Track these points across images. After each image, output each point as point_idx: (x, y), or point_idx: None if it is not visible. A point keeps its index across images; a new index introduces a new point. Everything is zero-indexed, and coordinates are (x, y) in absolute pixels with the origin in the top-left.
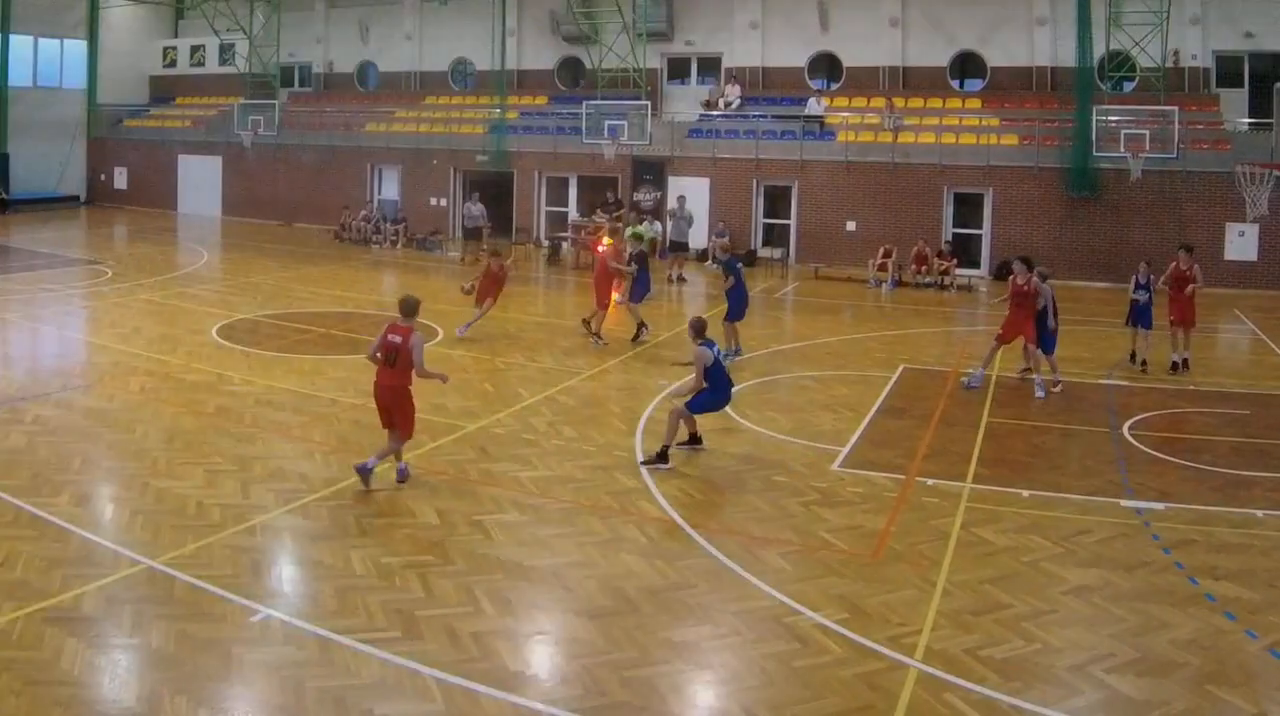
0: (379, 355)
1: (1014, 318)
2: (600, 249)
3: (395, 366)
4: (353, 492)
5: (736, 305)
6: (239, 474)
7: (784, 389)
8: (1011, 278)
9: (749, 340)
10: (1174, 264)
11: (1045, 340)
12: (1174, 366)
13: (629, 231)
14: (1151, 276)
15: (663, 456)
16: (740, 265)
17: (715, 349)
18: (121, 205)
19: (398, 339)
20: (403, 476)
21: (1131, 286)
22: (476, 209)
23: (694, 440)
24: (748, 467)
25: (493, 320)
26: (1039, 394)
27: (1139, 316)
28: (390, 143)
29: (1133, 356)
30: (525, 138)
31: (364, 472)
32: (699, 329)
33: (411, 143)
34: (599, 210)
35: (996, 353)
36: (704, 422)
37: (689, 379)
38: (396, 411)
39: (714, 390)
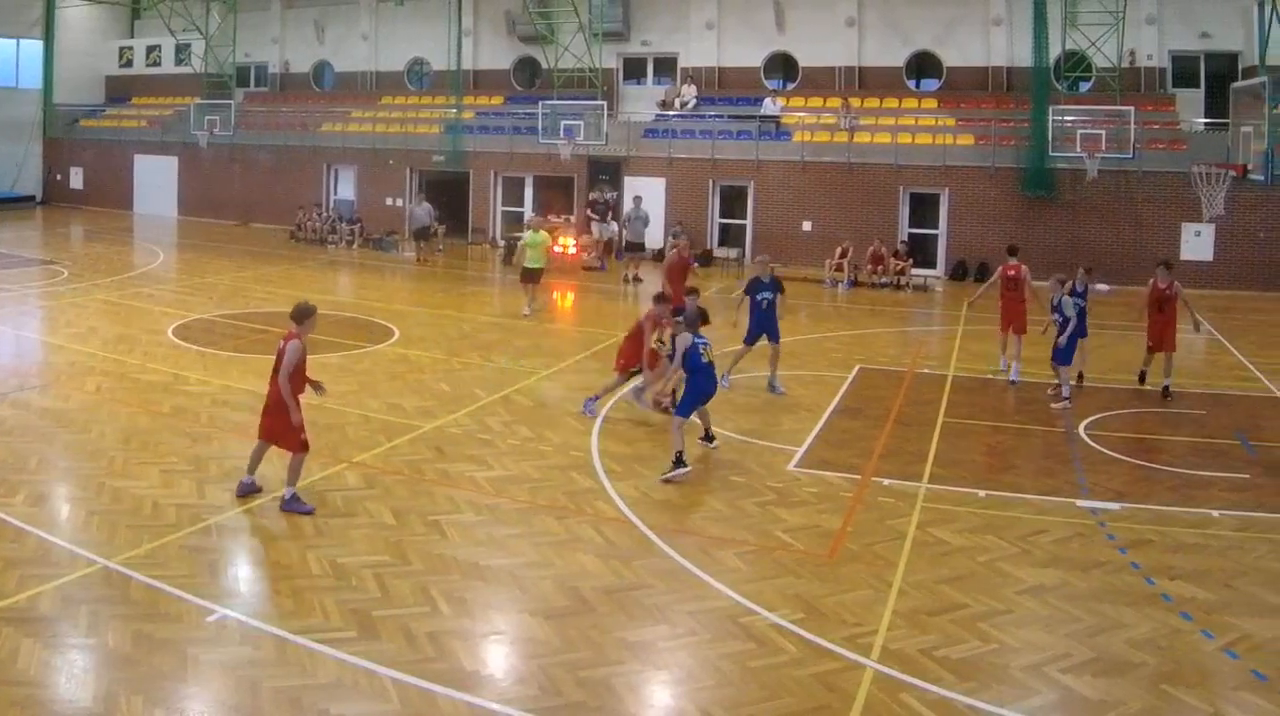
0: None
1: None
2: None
3: (274, 373)
4: (309, 493)
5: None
6: (195, 474)
7: (740, 389)
8: (1152, 282)
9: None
10: (1152, 281)
11: (1063, 352)
12: (1165, 391)
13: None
14: (1089, 285)
15: (679, 461)
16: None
17: (700, 340)
18: (78, 205)
19: (281, 344)
20: (289, 505)
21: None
22: (423, 209)
23: (708, 437)
24: (704, 468)
25: (449, 320)
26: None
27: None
28: (346, 143)
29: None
30: (481, 138)
31: (246, 491)
32: (694, 319)
33: (367, 143)
34: (589, 209)
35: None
36: (662, 421)
37: (669, 375)
38: (275, 422)
39: (695, 383)
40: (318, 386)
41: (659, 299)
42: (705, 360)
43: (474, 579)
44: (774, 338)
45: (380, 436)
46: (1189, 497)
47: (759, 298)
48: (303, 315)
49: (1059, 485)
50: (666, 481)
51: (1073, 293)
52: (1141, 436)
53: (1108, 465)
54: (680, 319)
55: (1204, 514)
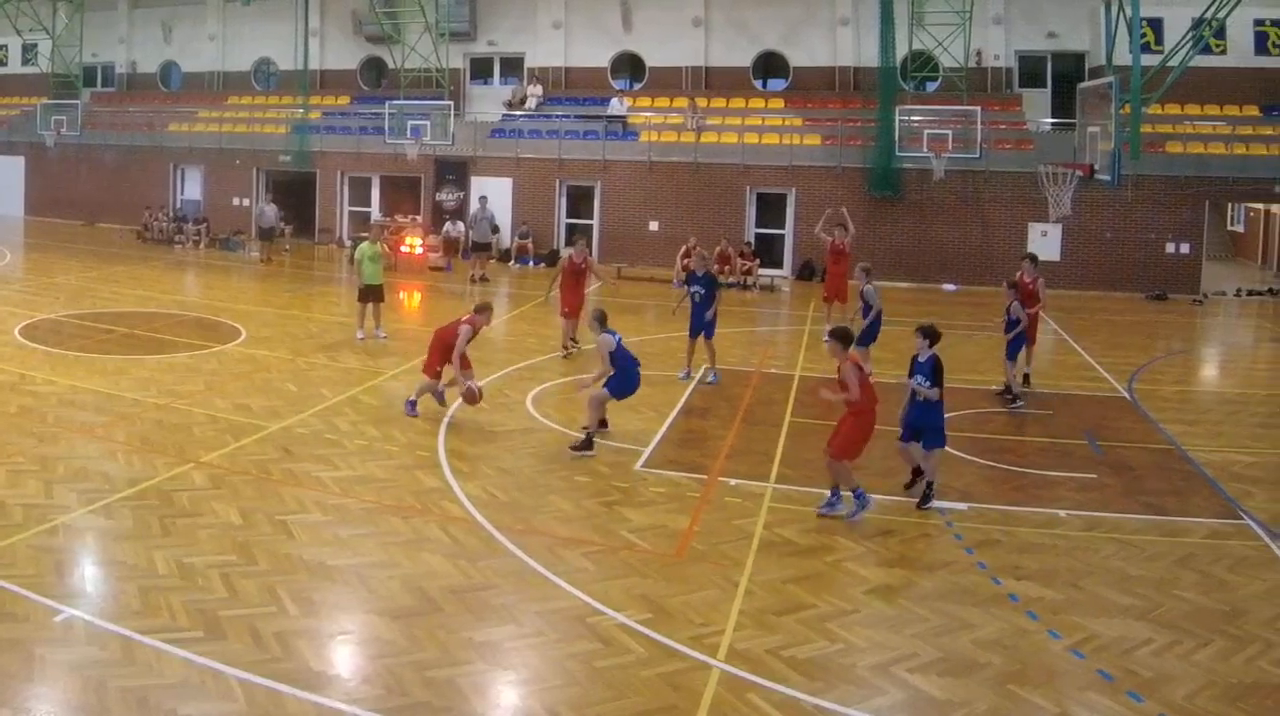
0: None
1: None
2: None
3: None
4: (156, 492)
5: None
6: (42, 474)
7: (587, 389)
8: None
9: (549, 339)
10: (1018, 275)
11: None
12: (1024, 379)
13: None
14: (1017, 303)
15: (588, 443)
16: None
17: (616, 337)
18: None
19: (458, 320)
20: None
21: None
22: (270, 210)
23: (602, 424)
24: (551, 468)
25: (295, 320)
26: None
27: (1015, 344)
28: (193, 143)
29: (1011, 386)
30: (328, 138)
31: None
32: (601, 319)
33: (214, 142)
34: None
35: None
36: (507, 422)
37: (595, 372)
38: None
39: (625, 373)
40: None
41: (481, 309)
42: (631, 354)
43: (321, 579)
44: (708, 334)
45: (227, 436)
46: (1036, 497)
47: (691, 290)
48: (484, 308)
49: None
50: (573, 450)
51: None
52: (988, 436)
53: (954, 465)
54: (596, 321)
55: (1051, 514)
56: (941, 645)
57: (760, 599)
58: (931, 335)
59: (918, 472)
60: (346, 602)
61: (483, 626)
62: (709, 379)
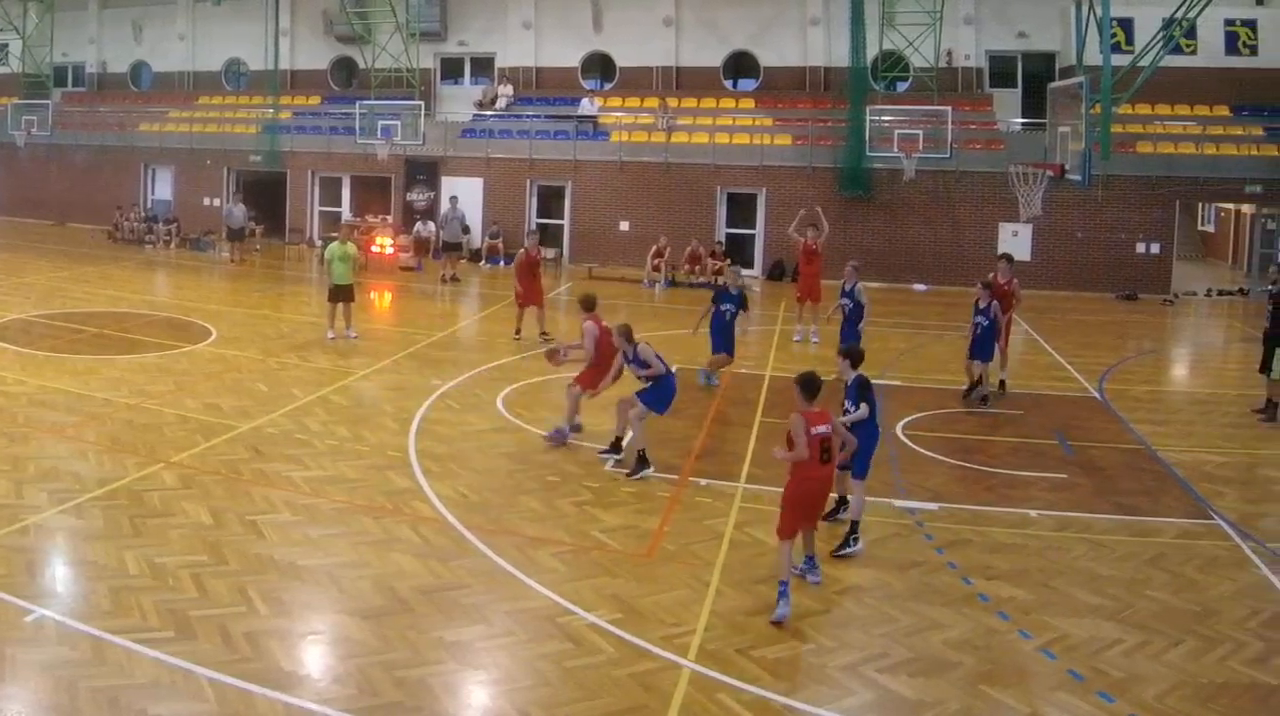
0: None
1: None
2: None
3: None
4: (126, 492)
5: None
6: (12, 474)
7: (557, 389)
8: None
9: (523, 341)
10: (992, 276)
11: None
12: (1000, 385)
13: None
14: (995, 303)
15: (643, 460)
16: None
17: (649, 349)
18: None
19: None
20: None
21: (972, 312)
22: (239, 210)
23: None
24: (521, 468)
25: (266, 320)
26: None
27: (978, 347)
28: (164, 143)
29: (968, 390)
30: (298, 138)
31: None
32: (589, 304)
33: (185, 143)
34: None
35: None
36: (478, 422)
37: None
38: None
39: (668, 383)
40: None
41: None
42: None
43: (291, 579)
44: (729, 351)
45: (198, 436)
46: (1007, 497)
47: (722, 308)
48: (591, 303)
49: (876, 485)
50: (629, 476)
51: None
52: (959, 436)
53: (925, 465)
54: (623, 334)
55: (1022, 514)
56: (912, 645)
57: (731, 599)
58: (853, 356)
59: (842, 502)
60: (317, 602)
61: (453, 626)
62: (712, 382)
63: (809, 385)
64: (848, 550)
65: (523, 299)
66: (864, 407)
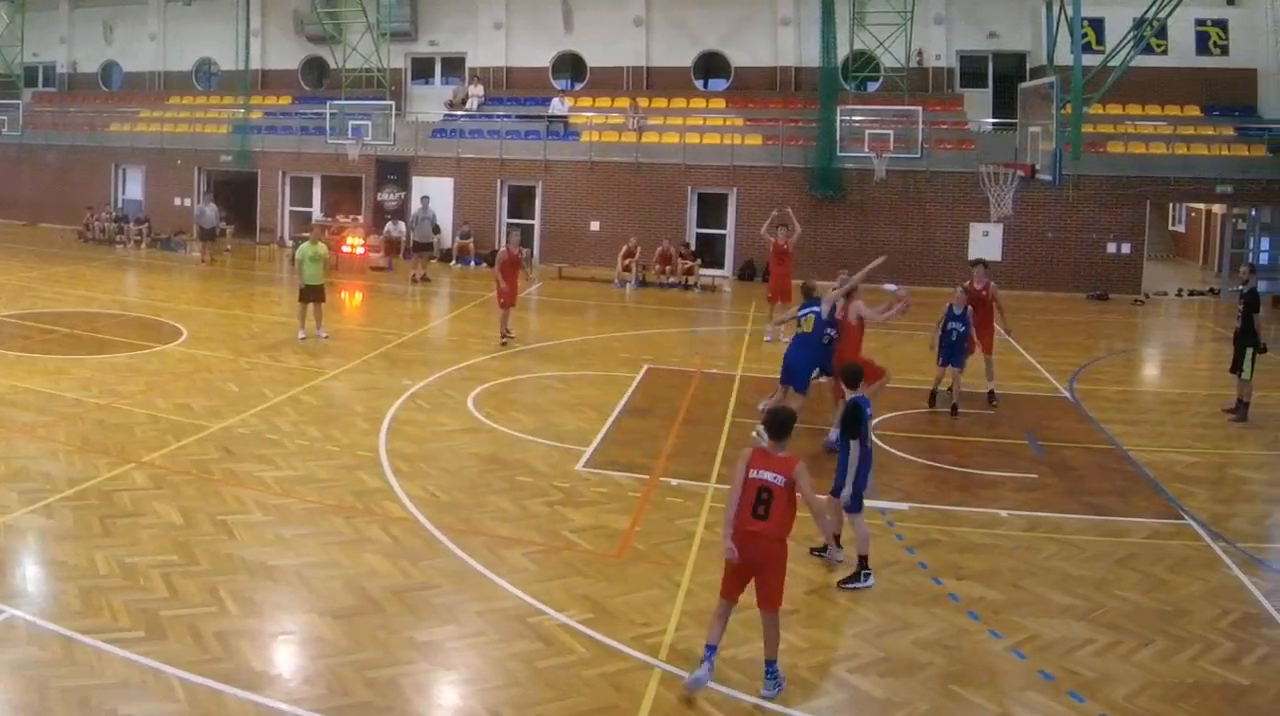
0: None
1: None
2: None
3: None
4: (97, 493)
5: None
6: None
7: (528, 389)
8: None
9: (491, 340)
10: (968, 282)
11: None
12: (990, 396)
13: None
14: (970, 308)
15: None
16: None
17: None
18: None
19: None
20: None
21: (944, 317)
22: (210, 210)
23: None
24: (491, 468)
25: (237, 320)
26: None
27: (950, 353)
28: (134, 143)
29: (932, 396)
30: (269, 138)
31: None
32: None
33: (156, 143)
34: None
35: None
36: (448, 422)
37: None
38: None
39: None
40: None
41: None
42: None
43: (262, 578)
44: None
45: (169, 436)
46: (977, 497)
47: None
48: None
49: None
50: (849, 586)
51: (949, 316)
52: (929, 436)
53: (896, 465)
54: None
55: (992, 514)
56: (883, 645)
57: (702, 599)
58: (848, 376)
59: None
60: (288, 602)
61: (424, 626)
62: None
63: (777, 426)
64: (856, 585)
65: (506, 298)
66: (853, 453)
